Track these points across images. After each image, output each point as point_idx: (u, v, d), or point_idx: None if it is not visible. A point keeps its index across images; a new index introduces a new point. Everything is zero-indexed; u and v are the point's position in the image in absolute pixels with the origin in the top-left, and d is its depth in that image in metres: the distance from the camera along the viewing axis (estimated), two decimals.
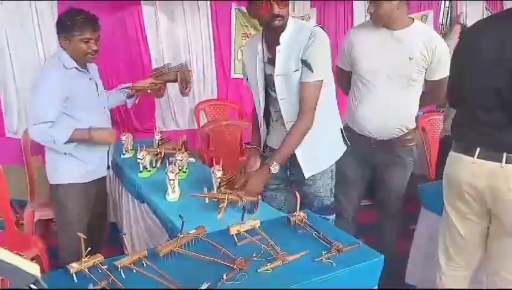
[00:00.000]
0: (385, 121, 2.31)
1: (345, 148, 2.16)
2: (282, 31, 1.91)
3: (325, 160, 2.10)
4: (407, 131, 2.36)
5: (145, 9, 4.06)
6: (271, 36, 1.95)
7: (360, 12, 4.86)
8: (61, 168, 2.26)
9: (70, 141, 2.15)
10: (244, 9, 4.40)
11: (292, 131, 1.93)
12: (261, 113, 2.12)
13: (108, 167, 2.45)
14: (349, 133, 2.37)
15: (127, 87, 2.57)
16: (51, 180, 2.31)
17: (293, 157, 2.00)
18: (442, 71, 2.21)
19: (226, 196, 1.79)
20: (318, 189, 2.09)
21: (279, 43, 1.93)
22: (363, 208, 2.73)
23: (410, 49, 2.20)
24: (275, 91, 1.99)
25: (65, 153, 2.19)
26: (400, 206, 2.52)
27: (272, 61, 1.97)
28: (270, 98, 2.06)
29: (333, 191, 2.16)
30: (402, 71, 2.23)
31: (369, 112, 2.31)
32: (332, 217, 2.18)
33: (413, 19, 2.27)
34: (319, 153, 2.07)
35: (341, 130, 2.15)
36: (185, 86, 2.63)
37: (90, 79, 2.29)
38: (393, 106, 2.27)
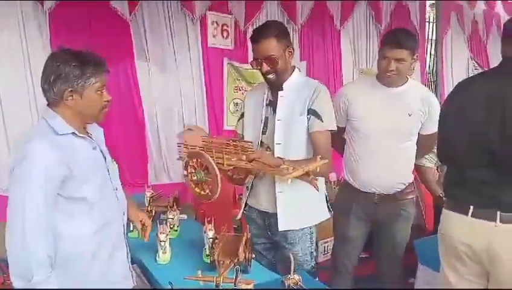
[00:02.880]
0: (389, 176, 2.32)
1: (328, 216, 2.16)
2: (284, 81, 2.01)
3: (303, 219, 2.08)
4: (408, 184, 2.38)
5: (138, 63, 4.13)
6: (273, 84, 2.04)
7: (348, 67, 5.02)
8: None
9: None
10: (236, 63, 4.53)
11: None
12: None
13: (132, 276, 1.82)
14: (350, 190, 2.38)
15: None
16: None
17: (271, 214, 2.05)
18: (435, 125, 2.25)
19: (224, 263, 1.75)
20: (297, 253, 2.04)
21: (282, 89, 2.01)
22: (360, 260, 2.69)
23: (408, 105, 2.26)
24: (266, 134, 2.04)
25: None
26: (401, 258, 2.49)
27: (272, 104, 2.04)
28: (263, 144, 2.06)
29: (314, 254, 2.14)
30: (402, 127, 2.28)
31: (373, 168, 2.32)
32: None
33: (408, 77, 2.33)
34: (300, 209, 2.05)
35: (326, 196, 2.15)
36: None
37: (94, 148, 1.65)
38: (395, 160, 2.30)
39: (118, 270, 1.70)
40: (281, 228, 2.03)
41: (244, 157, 1.72)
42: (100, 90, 1.58)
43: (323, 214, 2.14)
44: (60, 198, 1.52)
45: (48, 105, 1.59)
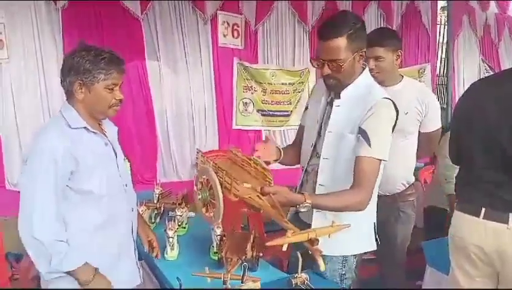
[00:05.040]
0: (388, 176, 2.29)
1: (373, 247, 1.82)
2: (346, 86, 1.71)
3: (338, 246, 1.73)
4: (408, 185, 2.37)
5: (149, 63, 4.17)
6: (332, 89, 1.76)
7: None
8: None
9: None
10: (246, 63, 4.55)
11: (345, 193, 1.63)
12: (305, 162, 1.83)
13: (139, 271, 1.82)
14: None
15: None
16: None
17: (309, 225, 1.73)
18: (435, 123, 2.32)
19: (232, 260, 1.71)
20: (324, 273, 1.78)
21: (339, 97, 1.73)
22: (366, 263, 2.68)
23: (404, 104, 2.25)
24: (320, 136, 1.78)
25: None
26: (404, 260, 2.47)
27: (331, 104, 1.76)
28: (316, 148, 1.80)
29: (346, 276, 1.83)
30: (399, 125, 2.26)
31: None
32: None
33: (403, 76, 2.34)
34: (339, 236, 1.61)
35: (374, 225, 1.83)
36: None
37: (105, 144, 1.66)
38: (394, 160, 2.27)
39: (124, 266, 1.72)
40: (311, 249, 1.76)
41: (259, 187, 1.45)
42: (110, 87, 1.57)
43: (367, 245, 1.81)
44: (69, 190, 1.55)
45: (66, 99, 1.62)
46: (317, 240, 1.38)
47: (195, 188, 1.69)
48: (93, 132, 1.62)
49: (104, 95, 1.57)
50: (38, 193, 1.49)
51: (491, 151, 1.63)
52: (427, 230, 2.13)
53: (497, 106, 1.61)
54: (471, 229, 1.68)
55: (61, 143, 1.51)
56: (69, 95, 1.60)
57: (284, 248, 1.40)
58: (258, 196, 1.47)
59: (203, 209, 1.66)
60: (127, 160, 1.84)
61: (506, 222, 1.58)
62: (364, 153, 1.62)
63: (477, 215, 1.65)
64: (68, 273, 1.53)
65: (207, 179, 1.60)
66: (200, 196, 1.64)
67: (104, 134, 1.68)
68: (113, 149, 1.69)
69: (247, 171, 1.62)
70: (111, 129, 1.75)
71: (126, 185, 1.73)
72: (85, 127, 1.59)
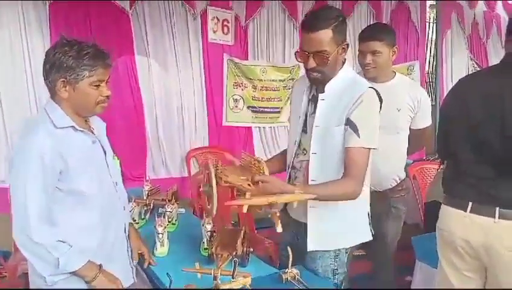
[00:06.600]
0: (380, 172, 2.31)
1: (369, 237, 1.85)
2: (329, 80, 1.73)
3: (336, 239, 1.79)
4: (399, 181, 2.38)
5: (138, 58, 4.13)
6: (316, 83, 1.77)
7: (349, 65, 5.00)
8: None
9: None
10: (236, 59, 4.53)
11: (337, 183, 1.66)
12: (290, 159, 1.86)
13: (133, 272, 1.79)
14: None
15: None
16: None
17: (301, 223, 1.80)
18: (426, 120, 2.37)
19: (222, 256, 1.75)
20: (316, 268, 1.83)
21: (323, 91, 1.75)
22: (356, 259, 2.69)
23: (397, 100, 2.27)
24: (306, 133, 1.79)
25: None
26: (394, 255, 2.49)
27: (315, 100, 1.78)
28: (302, 144, 1.82)
29: (338, 271, 1.85)
30: (391, 122, 2.28)
31: None
32: None
33: (395, 72, 2.36)
34: (335, 228, 1.76)
35: (368, 214, 1.86)
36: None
37: (93, 142, 1.61)
38: (386, 156, 2.29)
39: (117, 265, 1.67)
40: (310, 247, 1.77)
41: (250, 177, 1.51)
42: (95, 84, 1.50)
43: (362, 236, 1.85)
44: (59, 192, 1.51)
45: (50, 96, 1.56)
46: (277, 204, 1.43)
47: (201, 185, 1.76)
48: (81, 130, 1.56)
49: (89, 92, 1.50)
50: (30, 195, 1.44)
51: (478, 147, 1.64)
52: (429, 224, 2.15)
53: (483, 102, 1.63)
54: (458, 223, 1.70)
55: (48, 143, 1.46)
56: (53, 93, 1.53)
57: (244, 210, 1.44)
58: (248, 184, 1.52)
59: (206, 203, 1.73)
60: (116, 157, 1.81)
61: (493, 216, 1.60)
62: (354, 144, 1.65)
63: (464, 209, 1.67)
64: (73, 273, 1.50)
65: (207, 173, 1.66)
66: (201, 189, 1.73)
67: (92, 131, 1.63)
68: (102, 146, 1.65)
69: (249, 170, 1.69)
70: (99, 125, 1.70)
71: (116, 184, 1.69)
72: (72, 126, 1.54)
